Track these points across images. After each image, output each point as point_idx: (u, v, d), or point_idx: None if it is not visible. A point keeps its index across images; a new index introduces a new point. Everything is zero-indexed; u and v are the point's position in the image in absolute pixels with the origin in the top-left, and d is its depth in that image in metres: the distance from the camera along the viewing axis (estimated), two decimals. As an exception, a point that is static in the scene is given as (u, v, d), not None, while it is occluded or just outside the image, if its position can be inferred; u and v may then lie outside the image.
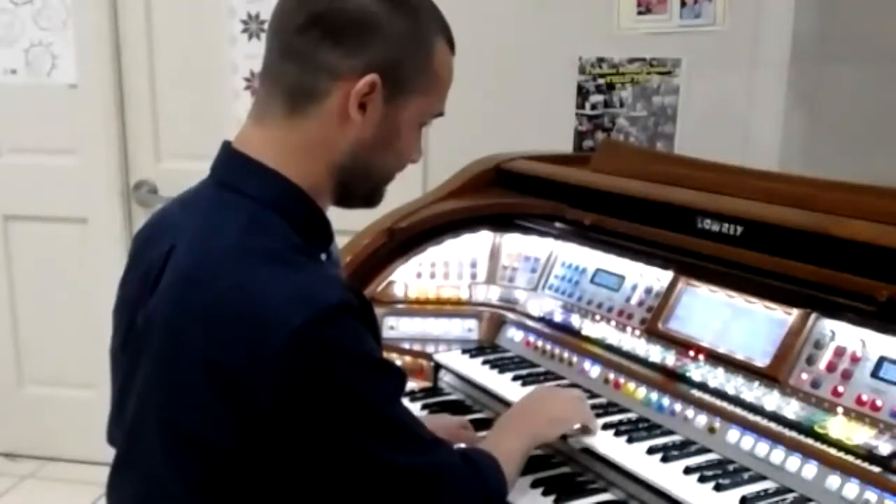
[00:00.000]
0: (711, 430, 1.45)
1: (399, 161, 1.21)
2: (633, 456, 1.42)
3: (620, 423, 1.52)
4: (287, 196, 1.14)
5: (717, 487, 1.31)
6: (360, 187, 1.21)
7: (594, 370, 1.68)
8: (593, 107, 2.66)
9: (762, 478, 1.34)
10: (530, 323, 1.88)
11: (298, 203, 1.15)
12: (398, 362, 1.88)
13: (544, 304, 1.90)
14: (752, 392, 1.44)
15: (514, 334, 1.89)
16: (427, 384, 1.87)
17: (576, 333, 1.79)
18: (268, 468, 1.06)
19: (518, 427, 1.44)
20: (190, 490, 1.08)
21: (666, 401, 1.54)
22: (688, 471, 1.36)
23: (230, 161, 1.18)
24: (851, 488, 1.24)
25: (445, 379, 1.87)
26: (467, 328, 1.95)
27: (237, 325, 1.02)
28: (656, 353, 1.62)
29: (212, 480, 1.08)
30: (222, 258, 1.07)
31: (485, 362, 1.80)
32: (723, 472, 1.35)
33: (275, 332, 1.00)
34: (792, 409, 1.38)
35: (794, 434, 1.35)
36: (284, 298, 1.02)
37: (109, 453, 1.22)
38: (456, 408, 1.77)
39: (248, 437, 1.04)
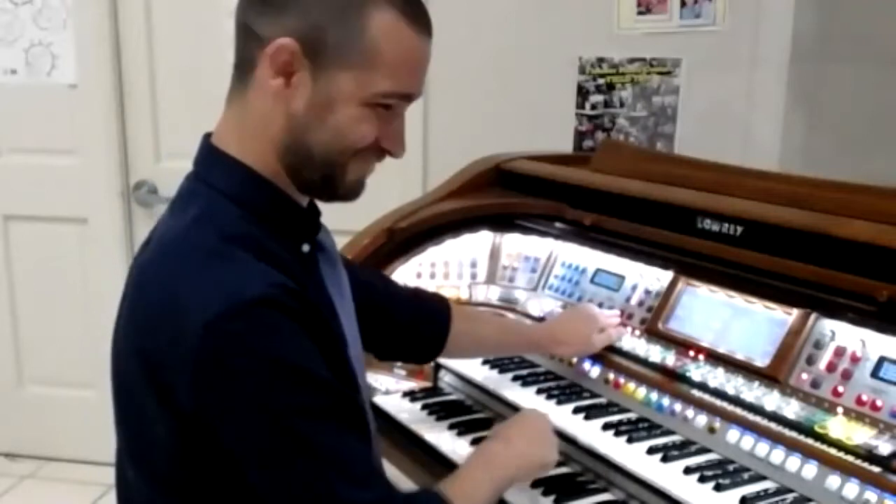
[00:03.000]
0: (711, 430, 1.45)
1: (342, 142, 1.11)
2: (633, 456, 1.42)
3: (620, 423, 1.52)
4: (246, 184, 1.12)
5: (717, 487, 1.31)
6: (308, 172, 1.13)
7: (594, 370, 1.68)
8: (593, 107, 2.66)
9: (762, 478, 1.34)
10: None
11: (260, 191, 1.13)
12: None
13: (544, 304, 1.90)
14: (752, 392, 1.44)
15: (514, 334, 1.89)
16: (427, 384, 1.87)
17: (576, 333, 1.78)
18: (206, 461, 1.07)
19: (498, 466, 1.28)
20: (153, 486, 1.12)
21: (666, 401, 1.54)
22: (688, 471, 1.36)
23: (202, 151, 1.18)
24: (851, 488, 1.24)
25: (445, 379, 1.87)
26: (467, 328, 1.95)
27: (161, 320, 1.04)
28: (656, 352, 1.62)
29: (167, 475, 1.10)
30: (164, 253, 1.10)
31: (485, 362, 1.80)
32: (723, 472, 1.35)
33: (190, 326, 0.99)
34: (792, 409, 1.38)
35: (794, 434, 1.35)
36: (202, 293, 1.01)
37: (108, 453, 1.23)
38: (456, 408, 1.77)
39: (180, 431, 1.05)
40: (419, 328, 1.58)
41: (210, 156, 1.15)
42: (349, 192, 1.17)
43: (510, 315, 1.93)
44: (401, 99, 1.12)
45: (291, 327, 1.03)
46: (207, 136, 1.19)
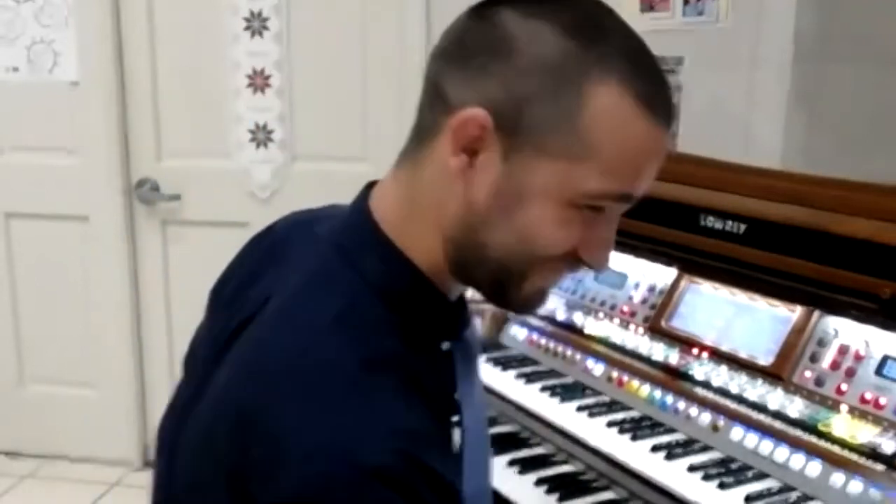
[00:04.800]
0: (715, 428, 1.45)
1: (528, 247, 0.89)
2: (636, 454, 1.42)
3: (624, 421, 1.52)
4: (402, 281, 0.92)
5: (721, 486, 1.31)
6: (477, 274, 0.93)
7: (597, 368, 1.68)
8: (595, 105, 2.66)
9: (766, 476, 1.34)
10: (533, 321, 1.88)
11: (414, 289, 0.93)
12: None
13: (546, 303, 1.89)
14: (756, 390, 1.44)
15: (517, 332, 1.89)
16: (429, 382, 1.87)
17: (579, 331, 1.78)
18: None
19: None
20: None
21: (669, 399, 1.54)
22: (691, 469, 1.36)
23: (357, 218, 0.95)
24: (855, 486, 1.24)
25: (448, 377, 1.87)
26: (470, 326, 1.95)
27: (265, 454, 0.82)
28: (659, 350, 1.62)
29: None
30: (289, 358, 0.86)
31: (488, 360, 1.80)
32: (726, 471, 1.35)
33: (289, 475, 0.80)
34: (795, 407, 1.38)
35: (797, 432, 1.35)
36: (314, 441, 0.80)
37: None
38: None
39: None
40: None
41: (364, 231, 0.93)
42: (524, 304, 0.99)
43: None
44: (616, 201, 0.89)
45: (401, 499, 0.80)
46: (366, 193, 0.96)
